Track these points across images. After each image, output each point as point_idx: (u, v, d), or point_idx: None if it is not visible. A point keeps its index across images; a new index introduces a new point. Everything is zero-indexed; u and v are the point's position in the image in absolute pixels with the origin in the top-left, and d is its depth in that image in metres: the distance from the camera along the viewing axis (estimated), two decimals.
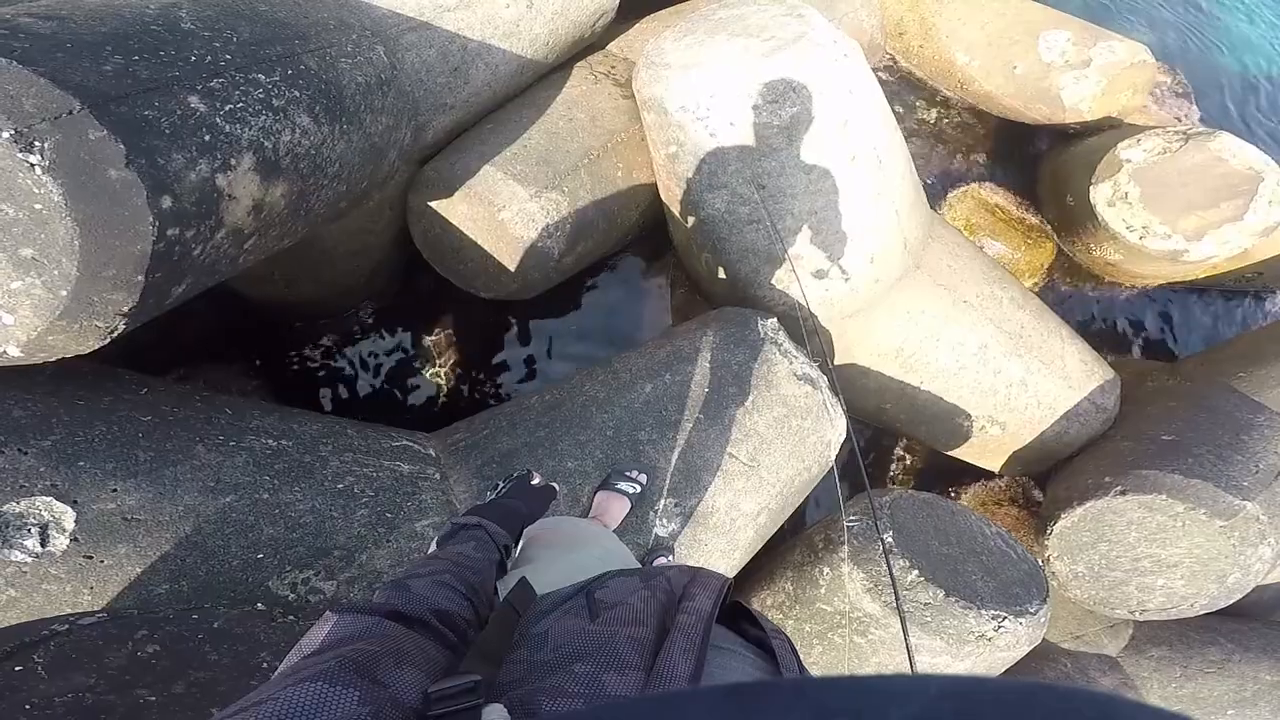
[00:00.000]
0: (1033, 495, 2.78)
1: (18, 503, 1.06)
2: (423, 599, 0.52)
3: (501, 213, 1.89)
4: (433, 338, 2.39)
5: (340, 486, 1.38)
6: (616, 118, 2.07)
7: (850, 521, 1.82)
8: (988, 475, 2.78)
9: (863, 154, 1.89)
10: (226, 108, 1.11)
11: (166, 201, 1.03)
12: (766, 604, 2.01)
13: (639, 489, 1.63)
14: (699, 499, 1.70)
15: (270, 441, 1.35)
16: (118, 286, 1.02)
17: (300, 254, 1.90)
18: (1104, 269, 2.91)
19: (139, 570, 1.08)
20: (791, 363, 1.86)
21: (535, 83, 2.14)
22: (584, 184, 1.99)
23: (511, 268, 2.02)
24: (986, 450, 2.53)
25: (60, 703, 0.77)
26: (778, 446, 1.79)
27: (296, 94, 1.24)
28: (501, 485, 0.96)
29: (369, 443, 1.55)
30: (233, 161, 1.12)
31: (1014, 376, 2.32)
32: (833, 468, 1.82)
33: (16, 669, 0.82)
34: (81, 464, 1.11)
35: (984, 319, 2.26)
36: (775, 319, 1.94)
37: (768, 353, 1.84)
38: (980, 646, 1.70)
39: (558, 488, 1.06)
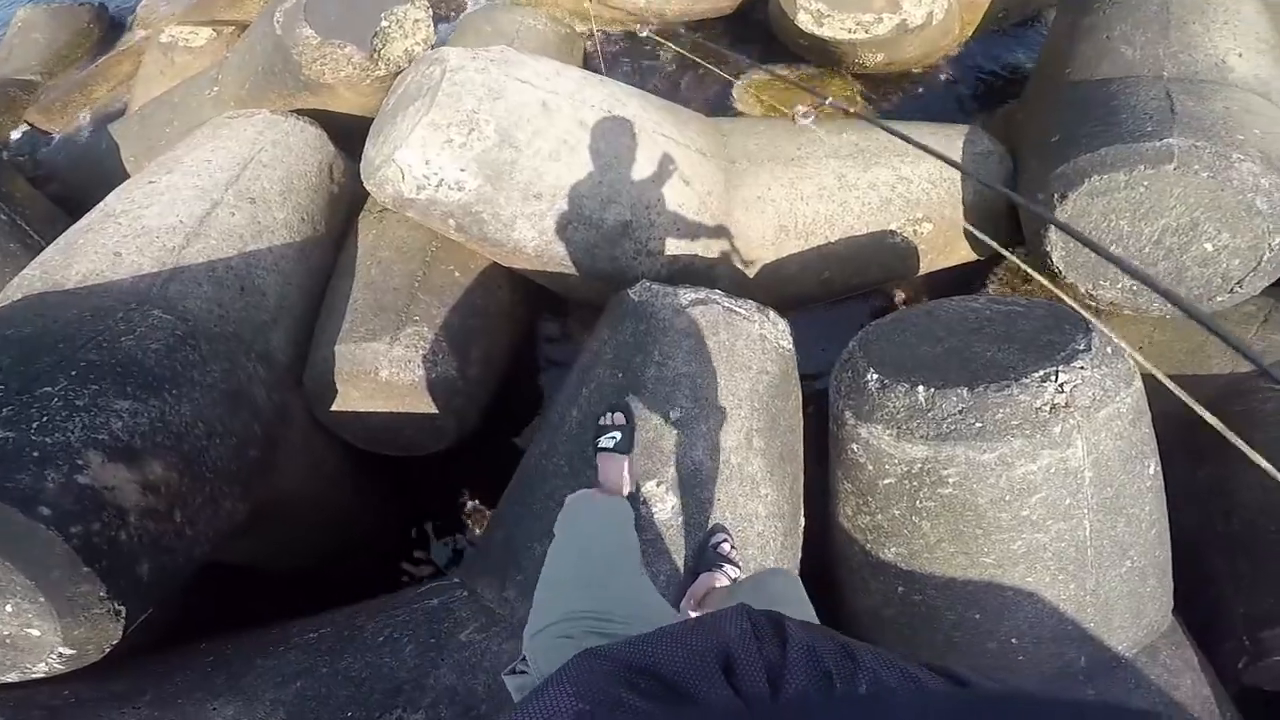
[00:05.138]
0: None
1: None
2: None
3: (381, 373, 2.01)
4: (463, 509, 2.47)
5: (381, 639, 1.52)
6: (417, 235, 2.20)
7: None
8: (987, 266, 2.68)
9: (586, 115, 2.02)
10: (34, 425, 1.22)
11: (45, 511, 1.17)
12: (851, 518, 1.85)
13: (620, 434, 1.62)
14: (674, 464, 1.67)
15: (312, 635, 1.57)
16: (76, 580, 1.20)
17: (284, 519, 2.04)
18: (889, 67, 3.00)
19: None
20: (675, 298, 1.89)
21: (337, 253, 2.27)
22: (430, 304, 2.12)
23: (433, 409, 2.11)
24: (941, 245, 2.50)
25: None
26: (708, 373, 1.78)
27: (96, 387, 1.32)
28: None
29: (396, 600, 1.67)
30: (79, 462, 1.23)
31: (889, 179, 2.34)
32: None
33: None
34: (180, 701, 1.40)
35: (819, 158, 2.31)
36: (644, 280, 1.99)
37: (647, 307, 1.88)
38: (1069, 419, 1.44)
39: None
